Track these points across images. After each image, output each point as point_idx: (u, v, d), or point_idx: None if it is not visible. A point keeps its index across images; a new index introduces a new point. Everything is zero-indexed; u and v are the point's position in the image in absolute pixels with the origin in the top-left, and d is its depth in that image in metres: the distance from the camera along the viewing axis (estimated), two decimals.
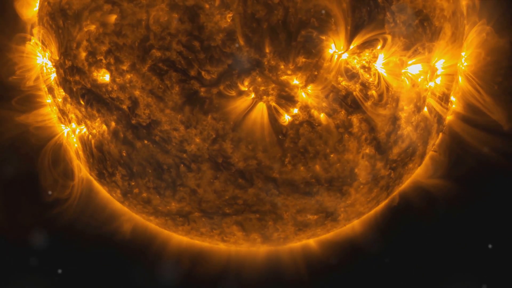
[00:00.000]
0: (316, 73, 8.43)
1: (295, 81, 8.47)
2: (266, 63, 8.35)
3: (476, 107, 9.97)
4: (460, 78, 9.88)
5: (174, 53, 8.42)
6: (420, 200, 10.50)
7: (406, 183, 10.43)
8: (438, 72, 9.25)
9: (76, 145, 9.78)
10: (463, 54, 9.75)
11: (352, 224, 10.54)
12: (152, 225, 10.45)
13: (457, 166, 10.18)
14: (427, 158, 10.37)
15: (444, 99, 9.52)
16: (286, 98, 8.52)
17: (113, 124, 9.00)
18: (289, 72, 8.41)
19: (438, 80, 9.33)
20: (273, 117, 8.56)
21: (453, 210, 10.50)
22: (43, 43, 9.58)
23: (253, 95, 8.48)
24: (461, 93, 9.97)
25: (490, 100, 9.92)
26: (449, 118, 10.06)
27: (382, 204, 10.39)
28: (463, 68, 9.82)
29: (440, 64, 9.17)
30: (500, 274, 10.72)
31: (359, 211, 9.98)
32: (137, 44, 8.52)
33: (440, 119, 9.62)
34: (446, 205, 10.46)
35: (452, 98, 9.88)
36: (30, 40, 9.80)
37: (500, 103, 9.85)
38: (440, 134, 10.08)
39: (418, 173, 10.46)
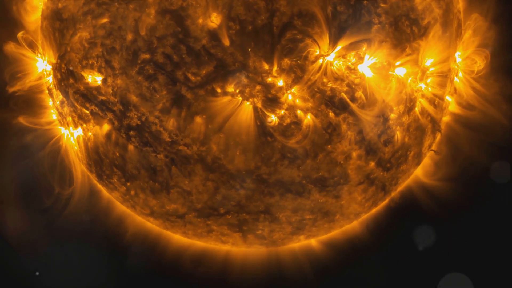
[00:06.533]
0: (301, 74, 8.47)
1: (281, 83, 8.52)
2: (251, 65, 8.41)
3: (472, 107, 9.90)
4: (456, 78, 9.80)
5: (161, 56, 8.54)
6: (420, 200, 10.44)
7: (405, 183, 10.38)
8: (429, 73, 9.19)
9: (75, 147, 9.96)
10: (458, 54, 9.67)
11: (352, 224, 10.52)
12: (152, 225, 10.57)
13: (454, 167, 10.11)
14: (426, 158, 10.31)
15: (437, 99, 9.47)
16: (272, 100, 8.57)
17: (105, 126, 9.16)
18: (274, 74, 8.46)
19: (430, 81, 9.27)
20: (259, 118, 8.62)
21: (452, 210, 10.43)
22: (42, 46, 9.79)
23: (239, 97, 8.56)
24: (457, 93, 9.90)
25: (487, 100, 9.83)
26: (445, 118, 9.98)
27: (381, 204, 10.35)
28: (458, 68, 9.74)
29: (430, 65, 9.12)
30: (499, 274, 10.62)
31: (357, 211, 9.97)
32: (126, 47, 8.66)
33: (434, 119, 9.56)
34: (446, 205, 10.39)
35: (448, 98, 9.81)
36: (31, 43, 10.00)
37: (496, 104, 9.76)
38: (438, 135, 10.01)
39: (417, 173, 10.41)
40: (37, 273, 10.76)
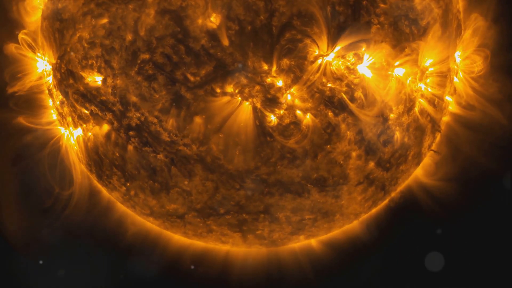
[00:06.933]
0: (300, 75, 8.47)
1: (280, 83, 8.52)
2: (250, 65, 8.41)
3: (472, 107, 9.89)
4: (455, 78, 9.80)
5: (160, 56, 8.55)
6: (420, 200, 10.44)
7: (405, 183, 10.38)
8: (429, 73, 9.18)
9: (75, 147, 9.97)
10: (457, 54, 9.67)
11: (352, 224, 10.52)
12: (152, 225, 10.57)
13: (454, 167, 10.11)
14: (426, 158, 10.30)
15: (437, 99, 9.46)
16: (272, 100, 8.57)
17: (105, 126, 9.17)
18: (273, 74, 8.46)
19: (430, 81, 9.27)
20: (259, 118, 8.62)
21: (452, 210, 10.42)
22: (42, 46, 9.80)
23: (238, 97, 8.56)
24: (457, 93, 9.89)
25: (487, 99, 9.83)
26: (445, 118, 9.97)
27: (381, 204, 10.35)
28: (457, 68, 9.73)
29: (430, 65, 9.11)
30: (499, 274, 10.61)
31: (356, 211, 9.97)
32: (125, 47, 8.67)
33: (433, 119, 9.56)
34: (446, 205, 10.39)
35: (448, 98, 9.80)
36: (31, 44, 10.01)
37: (495, 103, 9.75)
38: (438, 135, 10.00)
39: (417, 173, 10.40)
40: (40, 262, 10.76)
